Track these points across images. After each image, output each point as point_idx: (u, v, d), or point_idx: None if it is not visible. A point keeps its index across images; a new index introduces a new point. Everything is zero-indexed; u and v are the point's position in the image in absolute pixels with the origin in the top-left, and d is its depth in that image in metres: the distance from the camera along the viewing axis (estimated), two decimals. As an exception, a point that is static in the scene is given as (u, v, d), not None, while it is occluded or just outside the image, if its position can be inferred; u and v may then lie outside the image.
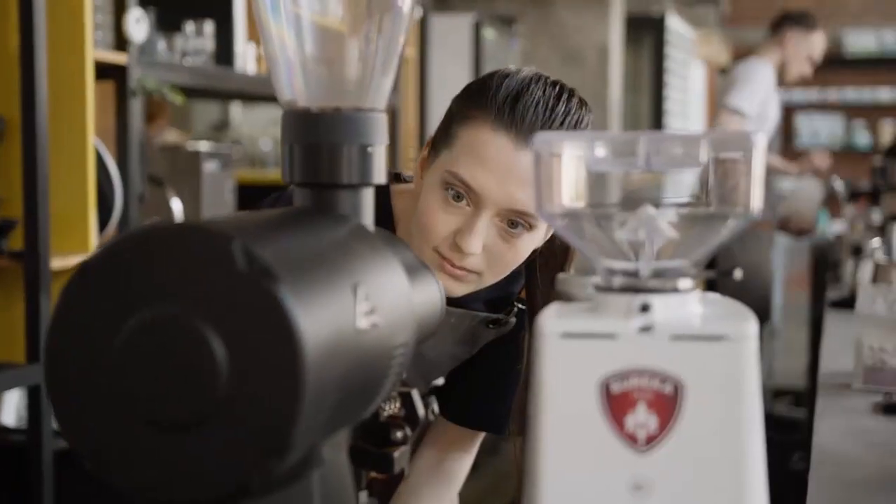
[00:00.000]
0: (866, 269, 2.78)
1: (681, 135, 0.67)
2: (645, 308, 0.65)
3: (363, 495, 0.83)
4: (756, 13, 9.22)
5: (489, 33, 4.71)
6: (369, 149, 0.75)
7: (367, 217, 0.76)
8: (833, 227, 6.54)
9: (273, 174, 4.18)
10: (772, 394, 5.22)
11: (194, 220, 0.62)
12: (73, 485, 2.37)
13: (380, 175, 0.76)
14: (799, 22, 4.40)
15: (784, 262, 5.74)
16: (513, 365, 1.44)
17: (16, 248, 2.36)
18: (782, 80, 4.48)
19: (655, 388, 0.64)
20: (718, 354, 0.64)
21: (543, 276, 1.37)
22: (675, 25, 7.06)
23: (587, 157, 0.67)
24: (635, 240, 0.67)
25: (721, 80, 8.44)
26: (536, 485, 0.66)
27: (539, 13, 5.20)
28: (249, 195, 2.67)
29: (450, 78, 4.31)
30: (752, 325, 0.65)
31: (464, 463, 1.52)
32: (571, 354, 0.65)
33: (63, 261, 2.40)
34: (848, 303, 2.63)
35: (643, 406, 0.64)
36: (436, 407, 1.56)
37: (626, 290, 0.67)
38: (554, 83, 1.26)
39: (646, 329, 0.64)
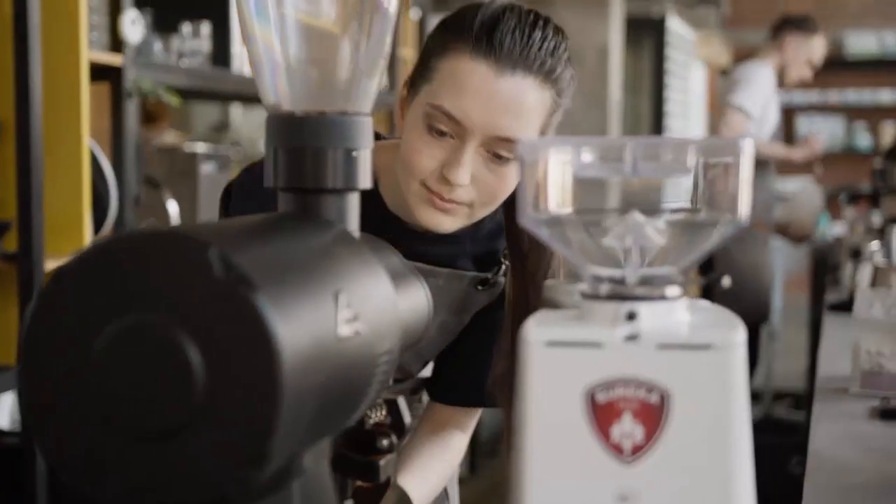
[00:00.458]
0: (865, 273, 2.77)
1: (668, 141, 0.66)
2: (631, 316, 0.64)
3: (348, 504, 0.83)
4: (757, 15, 9.21)
5: (488, 34, 4.69)
6: (354, 153, 0.74)
7: (353, 222, 0.75)
8: (833, 230, 6.53)
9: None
10: (771, 396, 5.20)
11: (174, 225, 0.61)
12: (68, 487, 2.35)
13: (365, 179, 0.75)
14: (799, 26, 4.40)
15: (784, 265, 5.72)
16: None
17: (10, 249, 2.35)
18: (782, 83, 4.47)
19: (641, 397, 0.63)
20: (705, 363, 0.63)
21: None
22: (676, 27, 7.05)
23: (573, 163, 0.66)
24: (622, 247, 0.66)
25: (721, 82, 8.44)
26: (521, 496, 0.65)
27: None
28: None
29: (449, 79, 4.28)
30: (739, 333, 0.64)
31: (461, 439, 1.49)
32: (556, 363, 0.64)
33: (57, 263, 2.38)
34: (847, 306, 2.62)
35: (629, 416, 0.63)
36: (424, 396, 1.55)
37: (612, 297, 0.65)
38: (529, 11, 1.26)
39: (632, 338, 0.63)
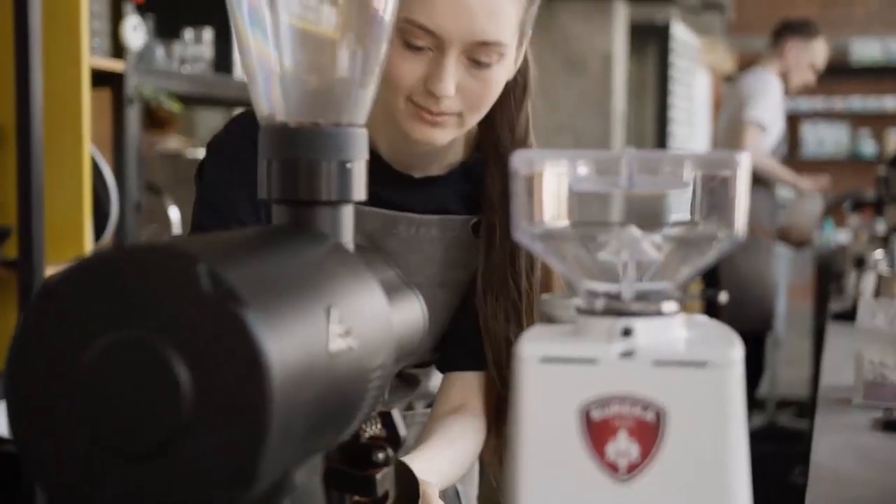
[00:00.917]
0: (869, 282, 2.76)
1: (664, 154, 0.65)
2: (627, 332, 0.63)
3: (344, 519, 0.82)
4: (761, 21, 9.20)
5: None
6: (348, 164, 0.73)
7: (347, 234, 0.74)
8: (837, 237, 6.52)
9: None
10: (775, 404, 5.19)
11: (163, 239, 0.60)
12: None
13: (360, 192, 0.74)
14: (798, 31, 4.39)
15: (788, 272, 5.71)
16: None
17: (10, 256, 2.34)
18: (787, 89, 4.46)
19: (637, 415, 0.62)
20: (702, 381, 0.62)
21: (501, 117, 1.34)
22: (680, 33, 7.04)
23: (569, 176, 0.65)
24: (618, 261, 0.65)
25: (726, 88, 8.43)
26: (515, 513, 0.64)
27: (542, 20, 5.18)
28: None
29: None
30: (736, 350, 0.63)
31: (478, 416, 1.38)
32: (551, 380, 0.63)
33: (58, 269, 2.38)
34: (850, 315, 2.61)
35: (624, 434, 0.62)
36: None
37: (608, 313, 0.65)
38: None
39: (627, 354, 0.63)
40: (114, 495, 0.57)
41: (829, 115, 9.53)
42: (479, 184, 1.37)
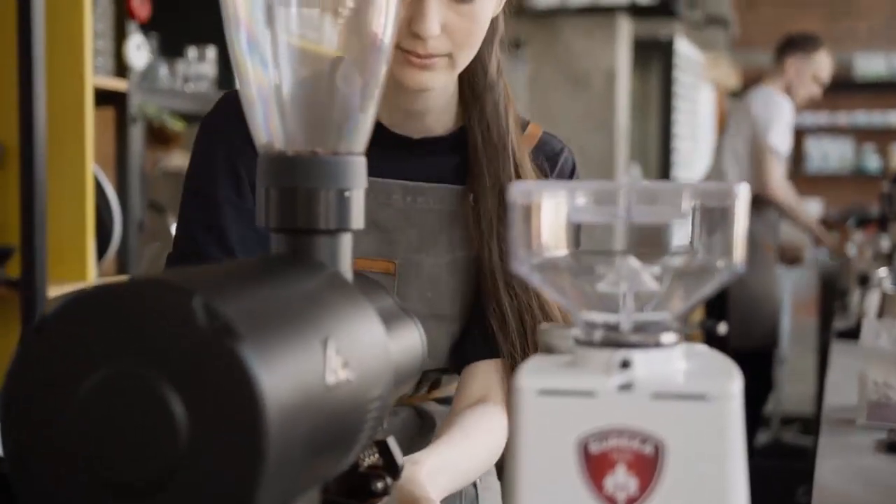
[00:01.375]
0: (873, 300, 2.75)
1: (663, 186, 0.65)
2: (625, 364, 0.63)
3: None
4: (765, 36, 9.21)
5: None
6: (347, 193, 0.73)
7: (345, 263, 0.74)
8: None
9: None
10: (780, 421, 5.17)
11: (159, 273, 0.60)
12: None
13: (358, 220, 0.74)
14: (798, 45, 4.40)
15: (792, 288, 5.70)
16: None
17: (13, 275, 2.34)
18: (793, 105, 4.46)
19: (636, 448, 0.62)
20: (701, 414, 0.61)
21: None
22: (684, 49, 7.05)
23: (567, 207, 0.65)
24: (617, 293, 0.65)
25: (731, 104, 8.43)
26: (513, 547, 0.63)
27: (546, 36, 5.19)
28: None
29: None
30: (736, 382, 0.62)
31: (500, 411, 1.29)
32: (549, 412, 0.63)
33: (60, 289, 2.38)
34: (854, 333, 2.60)
35: (623, 467, 0.62)
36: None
37: (606, 344, 0.64)
38: None
39: (626, 387, 0.62)
40: (109, 529, 0.57)
41: (834, 130, 9.53)
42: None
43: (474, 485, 1.37)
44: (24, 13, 2.31)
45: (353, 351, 0.65)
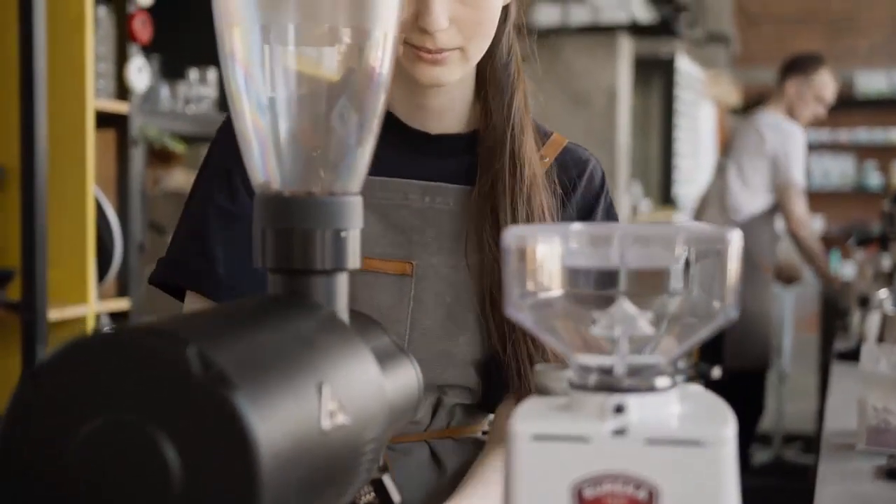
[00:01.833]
0: (873, 321, 2.75)
1: (656, 231, 0.65)
2: (619, 409, 0.63)
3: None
4: (766, 53, 9.24)
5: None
6: (343, 233, 0.73)
7: (341, 302, 0.74)
8: (843, 269, 6.50)
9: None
10: (781, 439, 5.17)
11: (153, 320, 0.60)
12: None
13: (354, 260, 0.74)
14: (798, 67, 4.41)
15: (794, 304, 5.70)
16: None
17: (13, 298, 2.35)
18: (799, 125, 4.46)
19: (630, 493, 0.62)
20: (695, 459, 0.61)
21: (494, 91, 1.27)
22: (685, 66, 7.06)
23: (561, 251, 0.65)
24: (611, 337, 0.65)
25: (733, 121, 8.44)
26: (507, 591, 0.63)
27: (547, 55, 5.20)
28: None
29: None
30: (730, 427, 0.63)
31: None
32: (543, 457, 0.63)
33: (61, 312, 2.39)
34: (855, 354, 2.60)
35: (617, 512, 0.62)
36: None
37: (600, 388, 0.64)
38: None
39: (620, 432, 0.62)
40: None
41: (835, 147, 9.55)
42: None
43: None
44: (26, 36, 2.32)
45: (348, 394, 0.65)
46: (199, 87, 2.97)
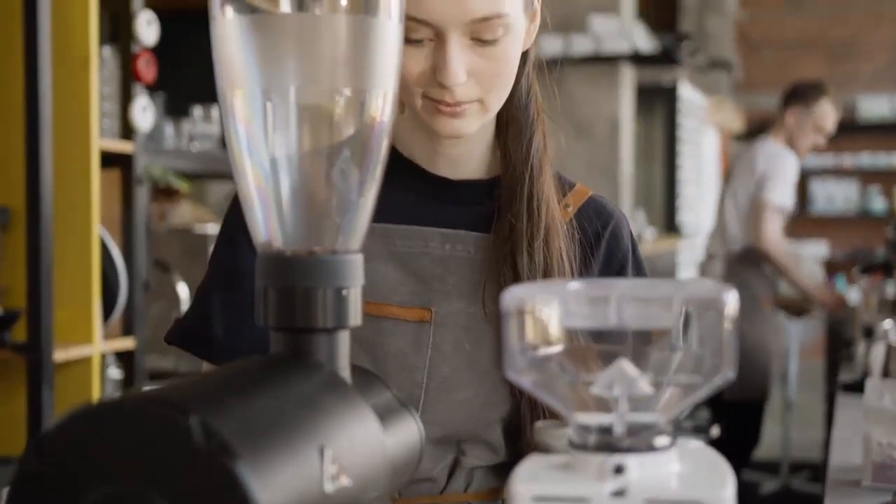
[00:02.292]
0: (878, 353, 2.75)
1: (653, 291, 0.66)
2: (619, 470, 0.63)
3: None
4: (769, 79, 9.27)
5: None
6: (344, 291, 0.74)
7: (343, 360, 0.75)
8: (849, 294, 6.49)
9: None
10: (788, 467, 5.15)
11: (156, 388, 0.61)
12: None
13: (356, 317, 0.75)
14: (797, 97, 4.42)
15: (800, 331, 5.69)
16: None
17: (19, 339, 2.35)
18: (798, 153, 4.47)
19: (630, 554, 0.62)
20: (694, 520, 0.62)
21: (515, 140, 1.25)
22: (687, 94, 7.09)
23: (559, 312, 0.66)
24: (610, 396, 0.66)
25: (735, 148, 8.46)
26: None
27: (549, 83, 5.22)
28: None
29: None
30: (729, 488, 0.63)
31: None
32: (543, 519, 0.63)
33: (66, 352, 2.39)
34: (860, 386, 2.59)
35: (617, 574, 0.62)
36: None
37: (600, 448, 0.65)
38: None
39: (619, 493, 0.63)
40: None
41: (838, 172, 9.57)
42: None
43: None
44: (32, 76, 2.34)
45: (350, 456, 0.66)
46: (203, 124, 2.99)
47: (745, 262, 4.36)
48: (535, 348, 0.67)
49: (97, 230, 2.48)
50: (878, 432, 1.83)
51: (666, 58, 5.69)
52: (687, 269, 6.52)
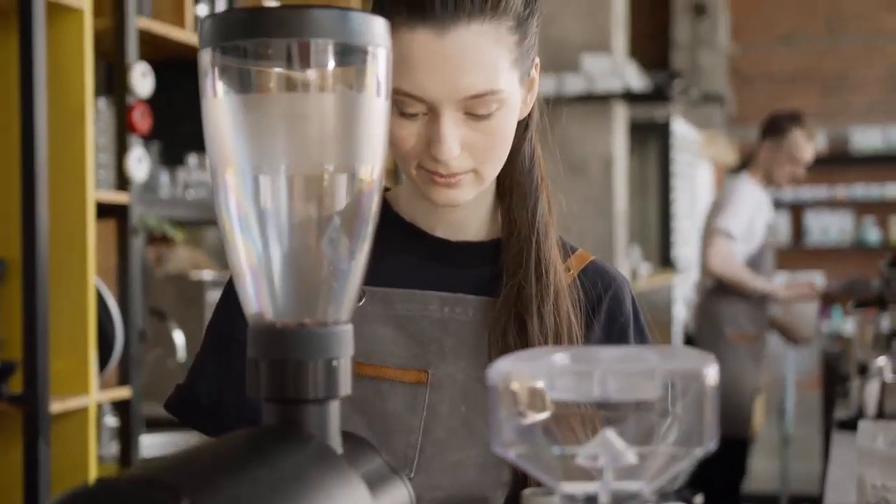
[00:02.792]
0: (873, 390, 2.75)
1: (635, 366, 0.67)
2: (604, 540, 0.65)
3: None
4: (761, 112, 9.27)
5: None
6: (335, 362, 0.75)
7: (333, 429, 0.76)
8: (845, 326, 6.50)
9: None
10: (787, 501, 5.14)
11: (146, 468, 0.62)
12: None
13: (346, 387, 0.76)
14: (769, 129, 4.45)
15: (796, 364, 5.70)
16: None
17: (15, 391, 2.36)
18: (775, 185, 4.47)
19: None
20: (678, 591, 0.63)
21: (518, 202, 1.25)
22: (681, 129, 7.13)
23: (545, 384, 0.67)
24: (595, 465, 0.67)
25: (728, 180, 8.51)
26: None
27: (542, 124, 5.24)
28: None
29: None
30: (712, 558, 0.64)
31: None
32: (531, 591, 0.64)
33: (63, 404, 2.40)
34: (855, 423, 2.60)
35: None
36: None
37: (585, 519, 0.66)
38: None
39: (605, 564, 0.64)
40: None
41: (833, 204, 9.60)
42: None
43: None
44: (28, 128, 2.36)
45: (340, 529, 0.67)
46: (198, 172, 3.01)
47: (713, 297, 4.39)
48: (521, 421, 0.68)
49: (93, 281, 2.50)
50: (872, 474, 1.84)
51: (658, 95, 5.73)
52: (682, 303, 6.53)
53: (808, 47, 9.64)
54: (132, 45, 2.66)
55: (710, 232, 4.33)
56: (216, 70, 0.74)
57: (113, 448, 2.81)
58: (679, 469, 0.68)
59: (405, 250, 1.26)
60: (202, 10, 2.99)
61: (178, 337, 2.93)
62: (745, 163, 7.68)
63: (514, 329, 1.22)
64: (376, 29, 0.76)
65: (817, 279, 9.42)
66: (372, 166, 0.78)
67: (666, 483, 0.69)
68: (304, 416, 0.74)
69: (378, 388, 1.22)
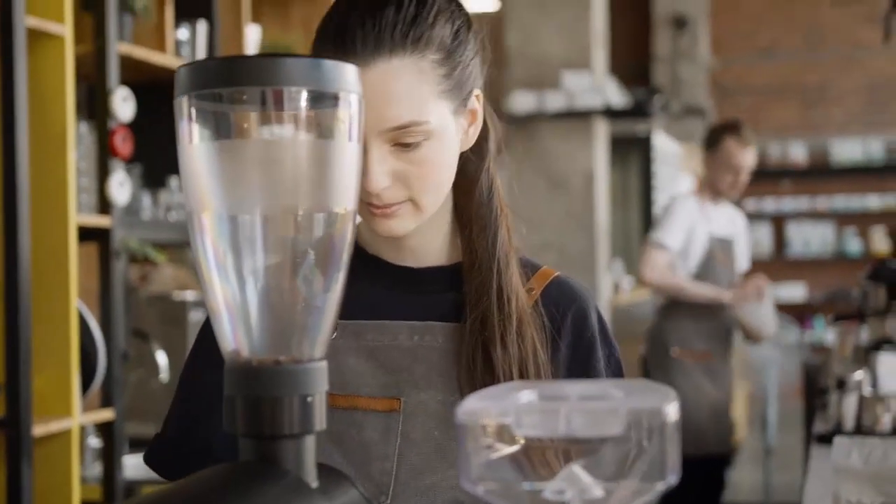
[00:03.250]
0: (851, 404, 2.78)
1: (598, 405, 0.70)
2: (571, 573, 0.67)
3: None
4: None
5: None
6: (309, 398, 0.77)
7: (309, 463, 0.78)
8: (827, 336, 6.55)
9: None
10: (770, 514, 5.17)
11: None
12: None
13: (321, 422, 0.78)
14: (707, 143, 4.48)
15: (778, 375, 5.73)
16: None
17: (-2, 415, 2.37)
18: (721, 196, 4.45)
19: None
20: None
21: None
22: (661, 142, 7.17)
23: (511, 423, 0.70)
24: (562, 499, 0.69)
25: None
26: None
27: (524, 139, 5.29)
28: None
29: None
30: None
31: None
32: None
33: (46, 427, 2.40)
34: (833, 438, 2.63)
35: None
36: None
37: (553, 553, 0.68)
38: None
39: None
40: None
41: (814, 215, 9.67)
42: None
43: None
44: (9, 152, 2.37)
45: (315, 564, 0.69)
46: (179, 194, 3.02)
47: (659, 317, 4.43)
48: (489, 457, 0.70)
49: (75, 304, 2.51)
50: (847, 490, 1.87)
51: (639, 111, 5.77)
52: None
53: (789, 60, 9.71)
54: (113, 70, 2.68)
55: (648, 244, 4.37)
56: (192, 117, 0.76)
57: (96, 469, 2.81)
58: (646, 501, 0.70)
59: (372, 282, 1.27)
60: (182, 34, 3.00)
61: (161, 357, 2.94)
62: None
63: (481, 358, 1.23)
64: (348, 76, 0.79)
65: (799, 290, 9.48)
66: (345, 206, 0.80)
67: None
68: (280, 452, 0.76)
69: (352, 418, 1.24)
